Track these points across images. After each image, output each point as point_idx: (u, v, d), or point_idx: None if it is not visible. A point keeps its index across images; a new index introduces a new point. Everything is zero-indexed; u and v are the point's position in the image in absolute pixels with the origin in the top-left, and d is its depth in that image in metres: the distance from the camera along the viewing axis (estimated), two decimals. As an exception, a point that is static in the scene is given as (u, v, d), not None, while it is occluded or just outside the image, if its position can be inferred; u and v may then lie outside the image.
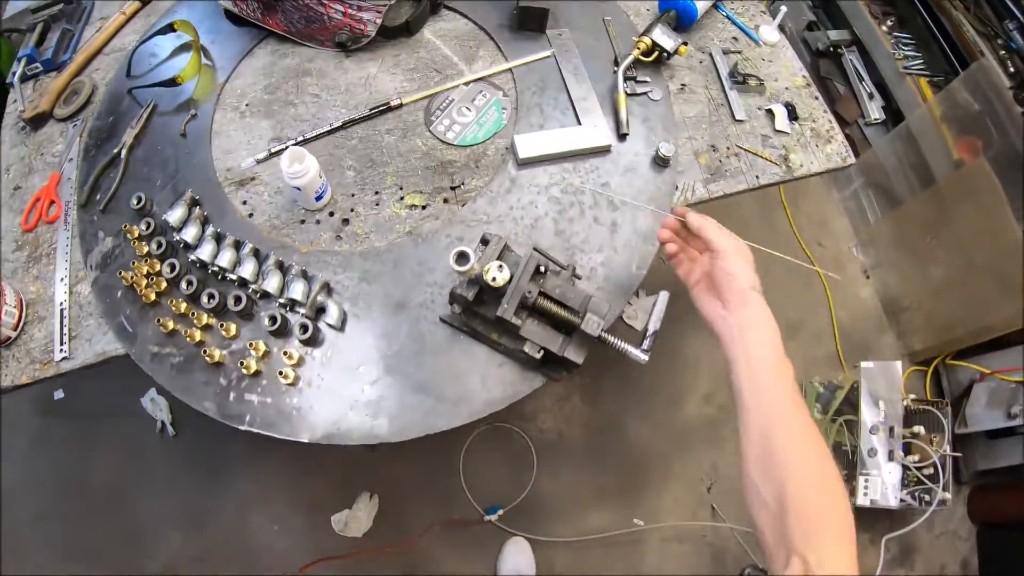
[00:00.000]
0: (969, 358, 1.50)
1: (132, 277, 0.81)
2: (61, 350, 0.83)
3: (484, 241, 0.72)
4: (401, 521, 1.45)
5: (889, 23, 1.72)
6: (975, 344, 1.46)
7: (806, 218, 1.83)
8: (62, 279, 0.87)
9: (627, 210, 0.83)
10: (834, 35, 1.78)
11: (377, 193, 0.84)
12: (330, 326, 0.77)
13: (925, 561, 1.50)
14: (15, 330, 0.86)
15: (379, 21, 0.90)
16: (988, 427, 1.36)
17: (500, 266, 0.66)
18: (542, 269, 0.70)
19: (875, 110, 1.68)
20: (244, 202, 0.85)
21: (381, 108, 0.88)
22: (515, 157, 0.84)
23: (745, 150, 0.93)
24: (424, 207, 0.83)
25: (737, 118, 0.95)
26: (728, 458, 1.53)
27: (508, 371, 0.75)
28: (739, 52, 1.03)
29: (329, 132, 0.87)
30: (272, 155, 0.87)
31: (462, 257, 0.66)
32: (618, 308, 0.80)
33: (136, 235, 0.83)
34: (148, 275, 0.82)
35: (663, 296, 0.74)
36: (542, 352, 0.70)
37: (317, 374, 0.75)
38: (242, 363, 0.74)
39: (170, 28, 0.96)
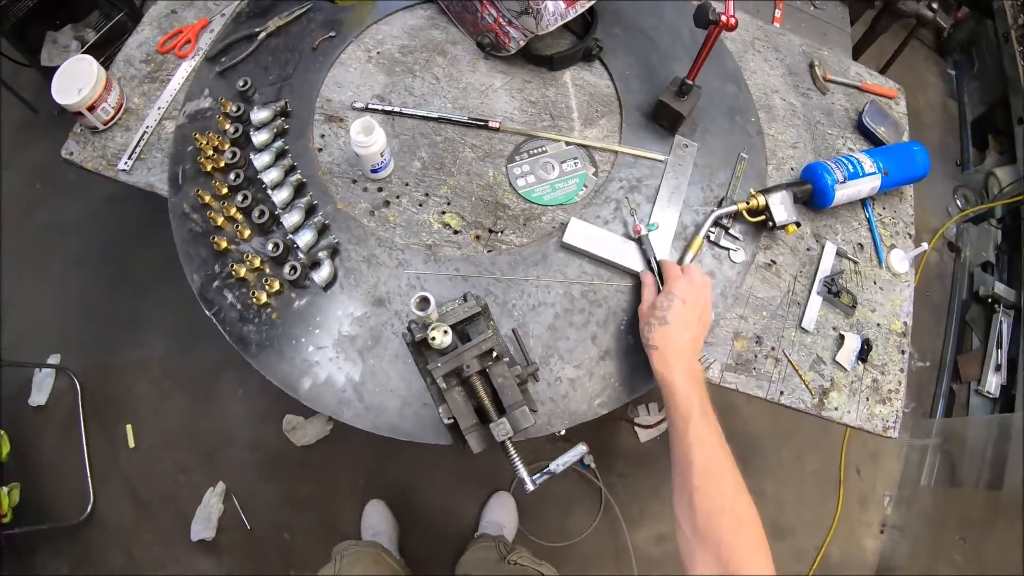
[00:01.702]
0: None
1: (204, 142, 0.92)
2: (126, 163, 0.97)
3: (464, 298, 0.75)
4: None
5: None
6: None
7: (862, 441, 1.69)
8: (159, 108, 1.00)
9: (628, 348, 0.82)
10: (1001, 289, 1.57)
11: (427, 195, 0.88)
12: (315, 282, 0.84)
13: None
14: (104, 124, 1.00)
15: (522, 43, 0.92)
16: None
17: (446, 331, 0.69)
18: (494, 354, 0.72)
19: (994, 385, 1.50)
20: (322, 135, 0.93)
21: (480, 123, 0.91)
22: (561, 235, 0.85)
23: (789, 361, 0.88)
24: (456, 232, 0.86)
25: (803, 326, 0.89)
26: None
27: (427, 414, 0.79)
28: (855, 262, 0.95)
29: (423, 118, 0.92)
30: (367, 110, 0.93)
31: (423, 302, 0.69)
32: (548, 430, 0.81)
33: (226, 110, 0.94)
34: (215, 149, 0.92)
35: (580, 448, 0.74)
36: (452, 421, 0.73)
37: (284, 313, 0.82)
38: (233, 265, 0.83)
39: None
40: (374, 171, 0.87)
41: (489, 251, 0.85)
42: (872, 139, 1.03)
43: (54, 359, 1.64)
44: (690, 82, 0.89)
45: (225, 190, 0.88)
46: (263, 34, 1.00)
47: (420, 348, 0.76)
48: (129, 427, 1.53)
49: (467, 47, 0.99)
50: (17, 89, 1.85)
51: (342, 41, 0.99)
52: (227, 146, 0.92)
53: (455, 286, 0.83)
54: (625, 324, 0.83)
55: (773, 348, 0.88)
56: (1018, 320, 1.54)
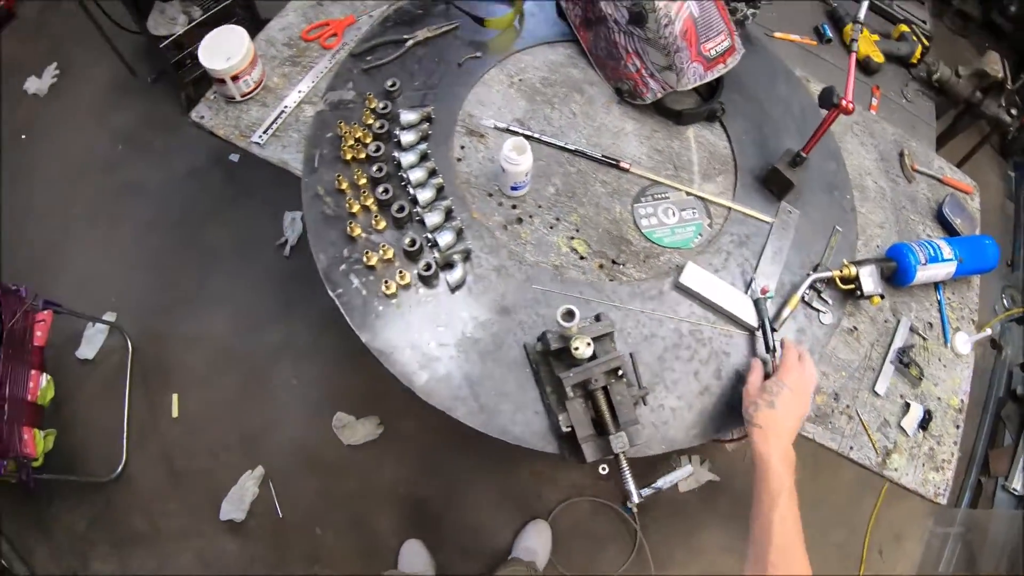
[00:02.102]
0: None
1: (347, 131, 1.11)
2: (260, 136, 1.15)
3: (598, 317, 0.96)
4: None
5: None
6: None
7: (888, 521, 1.92)
8: (300, 91, 1.20)
9: (725, 386, 1.04)
10: None
11: (558, 220, 1.09)
12: (447, 282, 1.03)
13: None
14: (242, 96, 1.19)
15: (659, 95, 1.15)
16: None
17: (588, 343, 0.88)
18: (620, 374, 0.92)
19: (1021, 482, 1.76)
20: (462, 147, 1.14)
21: (612, 162, 1.14)
22: (676, 277, 1.07)
23: (860, 419, 1.11)
24: (582, 258, 1.07)
25: (876, 390, 1.13)
26: None
27: (537, 422, 0.97)
28: (924, 338, 1.20)
29: (561, 148, 1.14)
30: (509, 131, 1.14)
31: (569, 315, 0.88)
32: (647, 452, 1.01)
33: (372, 106, 1.13)
34: (357, 140, 1.11)
35: (687, 469, 0.95)
36: (570, 429, 0.92)
37: (409, 305, 1.01)
38: (367, 253, 1.02)
39: (510, -26, 1.27)
40: (514, 188, 1.08)
41: (611, 280, 1.06)
42: (949, 228, 1.29)
43: (109, 316, 1.79)
44: (804, 155, 1.14)
45: (364, 180, 1.07)
46: (411, 42, 1.21)
47: (547, 357, 0.96)
48: (175, 396, 1.68)
49: (603, 90, 1.22)
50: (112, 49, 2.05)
51: (486, 63, 1.21)
52: (370, 139, 1.11)
53: (577, 307, 1.03)
54: (724, 366, 1.05)
55: (848, 406, 1.11)
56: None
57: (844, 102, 1.06)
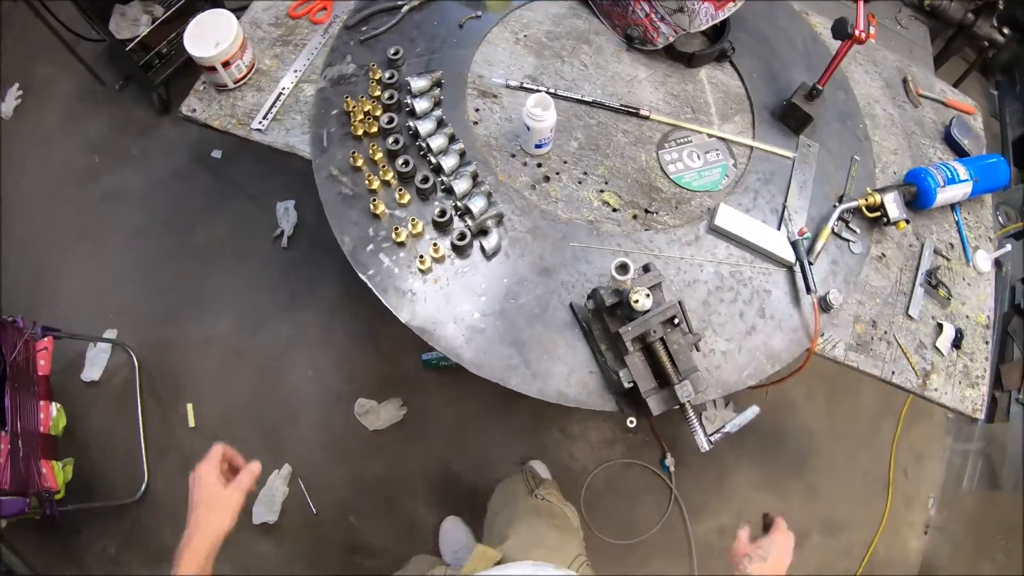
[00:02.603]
0: None
1: (354, 106, 1.05)
2: (260, 122, 1.08)
3: (646, 268, 0.93)
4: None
5: None
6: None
7: (909, 443, 1.96)
8: (296, 71, 1.12)
9: (770, 324, 1.03)
10: None
11: (585, 174, 1.06)
12: (482, 249, 0.99)
13: None
14: (235, 83, 1.12)
15: (671, 39, 1.12)
16: None
17: (647, 294, 0.86)
18: (676, 321, 0.90)
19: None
20: (476, 110, 1.09)
21: (631, 110, 1.10)
22: (711, 220, 1.05)
23: (899, 344, 1.11)
24: (615, 210, 1.04)
25: (910, 313, 1.13)
26: None
27: (592, 381, 0.95)
28: (947, 259, 1.20)
29: (578, 101, 1.10)
30: (522, 88, 1.10)
31: (623, 268, 0.86)
32: (704, 399, 0.99)
33: (377, 77, 1.07)
34: (367, 113, 1.06)
35: (753, 409, 0.94)
36: (632, 385, 0.90)
37: (447, 279, 0.97)
38: (396, 229, 0.97)
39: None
40: (537, 146, 1.04)
41: (646, 229, 1.04)
42: (957, 149, 1.30)
43: (110, 333, 1.70)
44: (820, 87, 1.12)
45: (380, 154, 1.02)
46: (406, 7, 1.15)
47: (600, 314, 0.94)
48: (189, 405, 1.60)
49: (610, 38, 1.18)
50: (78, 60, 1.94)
51: (487, 22, 1.15)
52: (380, 111, 1.05)
53: (607, 260, 1.00)
54: (767, 304, 1.04)
55: (885, 332, 1.11)
56: (1057, 330, 1.87)
57: (858, 32, 1.04)
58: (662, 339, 0.89)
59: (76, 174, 1.98)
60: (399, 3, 1.15)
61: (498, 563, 0.89)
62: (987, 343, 1.18)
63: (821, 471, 1.84)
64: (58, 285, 1.81)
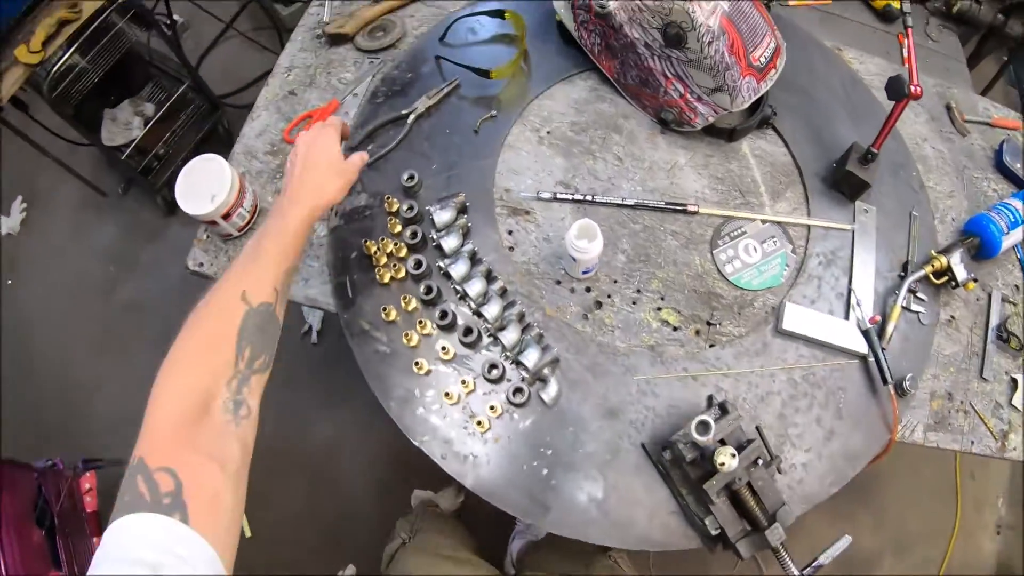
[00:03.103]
0: None
1: (376, 250, 0.94)
2: (278, 277, 0.98)
3: (723, 409, 0.86)
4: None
5: None
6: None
7: None
8: (306, 210, 1.01)
9: (847, 423, 0.97)
10: None
11: (639, 292, 0.97)
12: (543, 400, 0.91)
13: None
14: (240, 231, 1.00)
15: (711, 119, 1.00)
16: None
17: (733, 455, 0.78)
18: (759, 462, 0.84)
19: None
20: (510, 232, 0.98)
21: (678, 207, 1.00)
22: (777, 322, 0.97)
23: (975, 412, 1.06)
24: (676, 328, 0.96)
25: (984, 376, 1.07)
26: None
27: (675, 521, 0.89)
28: (1015, 304, 1.14)
29: (618, 206, 1.00)
30: (556, 200, 0.99)
31: (703, 427, 0.79)
32: (795, 514, 0.94)
33: (394, 209, 0.96)
34: (390, 255, 0.95)
35: (846, 540, 0.89)
36: (719, 531, 0.85)
37: (508, 436, 0.89)
38: (447, 393, 0.89)
39: (500, 15, 1.06)
40: (585, 272, 0.95)
41: (711, 345, 0.95)
42: (1012, 178, 1.21)
43: None
44: (875, 151, 1.02)
45: (414, 305, 0.93)
46: (412, 116, 1.02)
47: (680, 463, 0.87)
48: (243, 516, 1.54)
49: (641, 120, 1.06)
50: (75, 170, 1.83)
51: (505, 121, 1.03)
52: (404, 251, 0.95)
53: (686, 388, 0.93)
54: (841, 400, 0.97)
55: (962, 402, 1.06)
56: None
57: (914, 88, 0.93)
58: (748, 483, 0.83)
59: (92, 286, 1.92)
60: (404, 112, 1.02)
61: None
62: (1060, 387, 1.13)
63: (886, 492, 1.84)
64: (87, 407, 1.75)
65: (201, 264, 1.00)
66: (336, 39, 1.09)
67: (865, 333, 0.98)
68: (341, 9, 1.14)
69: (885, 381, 0.95)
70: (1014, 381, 1.08)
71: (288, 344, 1.74)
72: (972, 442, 1.04)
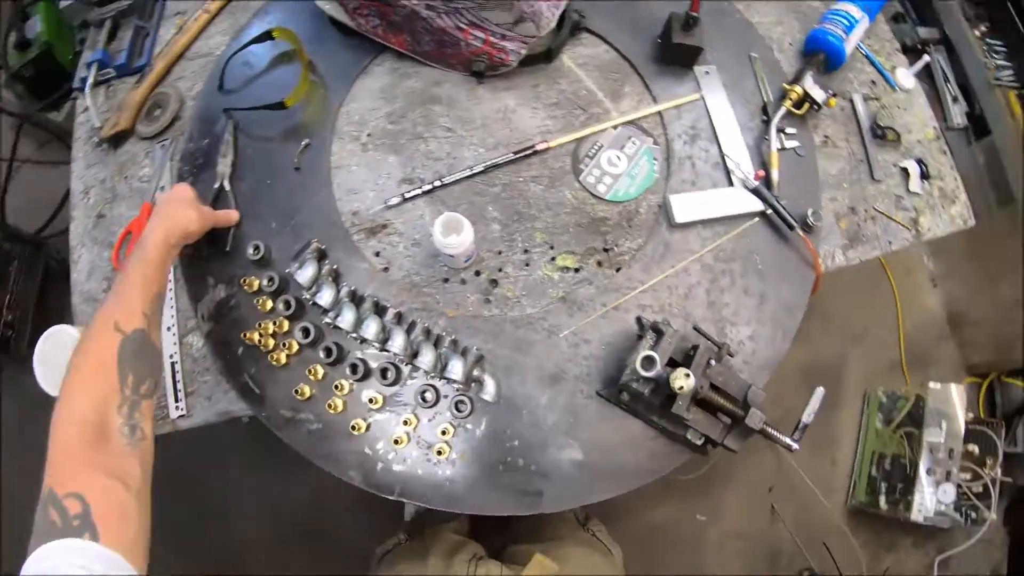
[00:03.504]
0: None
1: (259, 338, 0.85)
2: (177, 407, 0.87)
3: (657, 330, 0.81)
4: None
5: (983, 28, 1.82)
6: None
7: (902, 286, 1.99)
8: (169, 328, 0.89)
9: (773, 280, 0.93)
10: (923, 33, 1.87)
11: (527, 252, 0.90)
12: (487, 400, 0.84)
13: (959, 568, 1.80)
14: None
15: (523, 52, 0.92)
16: (1038, 451, 1.62)
17: (688, 375, 0.74)
18: (711, 362, 0.80)
19: (958, 115, 1.80)
20: (377, 253, 0.89)
21: (526, 152, 0.92)
22: (669, 219, 0.91)
23: (881, 213, 1.04)
24: (577, 270, 0.89)
25: (875, 177, 1.05)
26: (789, 461, 1.74)
27: (659, 445, 0.85)
28: (877, 99, 1.11)
29: (469, 177, 0.91)
30: (406, 200, 0.90)
31: (648, 362, 0.74)
32: (762, 383, 0.92)
33: (256, 288, 0.86)
34: (275, 335, 0.85)
35: (819, 392, 0.87)
36: (703, 439, 0.82)
37: (471, 446, 0.82)
38: (396, 440, 0.81)
39: (268, 36, 0.94)
40: (467, 260, 0.87)
41: (618, 270, 0.90)
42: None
43: None
44: (695, 14, 0.95)
45: (321, 372, 0.84)
46: (224, 183, 0.90)
47: (640, 398, 0.82)
48: None
49: (455, 81, 0.96)
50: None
51: (321, 143, 0.93)
52: (286, 325, 0.85)
53: (612, 321, 0.87)
54: (758, 261, 0.93)
55: (865, 211, 1.04)
56: (949, 48, 1.83)
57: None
58: (710, 385, 0.79)
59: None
60: (215, 186, 0.90)
61: None
62: (945, 152, 1.13)
63: (826, 302, 1.87)
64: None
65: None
66: (117, 139, 0.96)
67: (754, 191, 0.94)
68: (108, 105, 1.00)
69: (791, 226, 0.92)
70: (904, 170, 1.07)
71: (219, 432, 1.64)
72: (889, 242, 1.03)
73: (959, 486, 1.55)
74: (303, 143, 0.92)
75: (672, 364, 0.80)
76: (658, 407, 0.81)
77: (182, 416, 0.87)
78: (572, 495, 0.83)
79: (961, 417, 1.57)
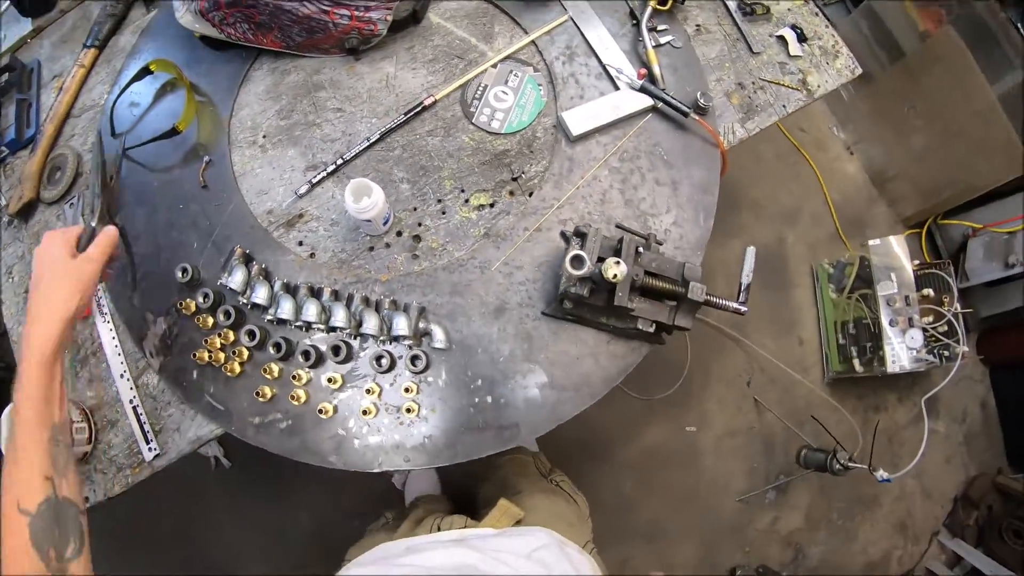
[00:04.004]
0: (958, 215, 1.76)
1: (209, 355, 0.83)
2: (150, 448, 0.85)
3: (579, 234, 0.80)
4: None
5: None
6: (962, 203, 1.72)
7: (816, 157, 2.00)
8: (122, 375, 0.87)
9: (681, 166, 0.93)
10: None
11: (440, 201, 0.89)
12: (439, 350, 0.83)
13: (947, 409, 1.81)
14: (89, 443, 0.87)
15: (390, 18, 0.91)
16: (989, 279, 1.63)
17: (617, 261, 0.74)
18: (640, 250, 0.80)
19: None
20: (300, 243, 0.88)
21: (415, 109, 0.91)
22: (567, 135, 0.91)
23: (768, 82, 1.04)
24: (492, 205, 0.89)
25: (754, 51, 1.05)
26: (758, 350, 1.74)
27: (617, 346, 0.85)
28: (732, -28, 1.12)
29: (368, 148, 0.90)
30: (315, 185, 0.89)
31: (577, 261, 0.73)
32: (698, 262, 0.91)
33: (194, 308, 0.84)
34: (224, 348, 0.84)
35: (751, 251, 0.86)
36: (654, 326, 0.81)
37: (438, 397, 0.81)
38: (364, 411, 0.80)
39: (146, 71, 0.93)
40: (385, 222, 0.86)
41: (530, 194, 0.89)
42: None
43: None
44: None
45: (277, 368, 0.82)
46: (91, 223, 0.88)
47: (579, 305, 0.81)
48: None
49: (334, 65, 0.95)
50: None
51: (222, 156, 0.91)
52: (232, 335, 0.83)
53: (538, 244, 0.87)
54: (663, 152, 0.93)
55: (753, 83, 1.04)
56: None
57: None
58: (645, 271, 0.79)
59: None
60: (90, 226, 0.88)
61: (518, 523, 0.80)
62: (817, 14, 1.13)
63: (748, 192, 1.89)
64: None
65: (87, 498, 0.86)
66: (25, 211, 0.94)
67: (641, 89, 0.93)
68: (9, 182, 0.98)
69: (685, 113, 0.92)
70: (780, 38, 1.07)
71: (206, 483, 1.60)
72: (784, 106, 1.03)
73: (924, 330, 1.56)
74: (204, 161, 0.90)
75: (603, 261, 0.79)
76: (604, 308, 0.81)
77: (157, 456, 0.84)
78: (547, 418, 0.82)
79: (908, 265, 1.58)
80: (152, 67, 0.93)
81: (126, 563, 1.57)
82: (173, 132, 0.89)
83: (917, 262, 1.62)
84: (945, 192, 1.73)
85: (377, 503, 1.47)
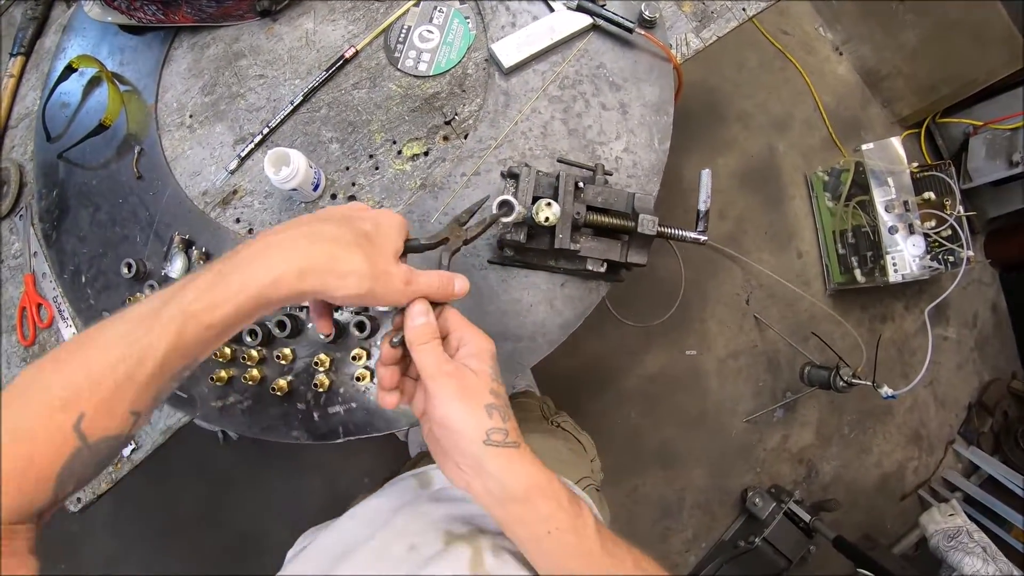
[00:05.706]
0: (958, 113, 1.49)
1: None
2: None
3: (512, 175, 0.65)
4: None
5: None
6: (961, 100, 1.45)
7: (802, 55, 1.73)
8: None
9: (630, 87, 0.75)
10: None
11: (372, 156, 0.74)
12: (384, 312, 0.71)
13: (957, 314, 1.58)
14: (80, 502, 0.78)
15: (295, -33, 0.76)
16: (992, 178, 1.37)
17: (548, 203, 0.58)
18: (580, 185, 0.64)
19: None
20: (237, 220, 0.75)
21: (337, 64, 0.76)
22: (500, 68, 0.74)
23: (720, -17, 0.84)
24: (426, 153, 0.74)
25: (701, -52, 0.85)
26: (755, 266, 1.55)
27: (573, 288, 0.70)
28: None
29: (293, 112, 0.76)
30: (244, 159, 0.76)
31: (505, 206, 0.58)
32: (654, 191, 0.75)
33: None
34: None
35: (706, 174, 0.69)
36: (605, 265, 0.66)
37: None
38: (315, 383, 0.69)
39: (70, 70, 0.80)
40: (315, 187, 0.72)
41: (465, 136, 0.74)
42: None
43: None
44: None
45: (228, 351, 0.71)
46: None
47: (523, 250, 0.67)
48: None
49: (252, 31, 0.80)
50: None
51: (153, 143, 0.79)
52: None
53: (478, 188, 0.72)
54: (607, 73, 0.76)
55: (703, -16, 0.84)
56: None
57: None
58: (588, 207, 0.63)
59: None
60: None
61: None
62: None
63: (729, 107, 1.64)
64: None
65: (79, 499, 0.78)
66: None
67: (578, 8, 0.75)
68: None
69: (629, 29, 0.74)
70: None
71: (218, 459, 1.51)
72: (744, 9, 0.86)
73: (926, 235, 1.33)
74: (136, 151, 0.78)
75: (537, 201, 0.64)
76: (551, 251, 0.66)
77: (134, 450, 0.76)
78: (510, 366, 0.68)
79: (904, 167, 1.34)
80: (74, 64, 0.81)
81: (160, 549, 1.53)
82: (101, 128, 0.77)
83: (916, 164, 1.37)
84: (943, 89, 1.46)
85: (390, 460, 1.40)
